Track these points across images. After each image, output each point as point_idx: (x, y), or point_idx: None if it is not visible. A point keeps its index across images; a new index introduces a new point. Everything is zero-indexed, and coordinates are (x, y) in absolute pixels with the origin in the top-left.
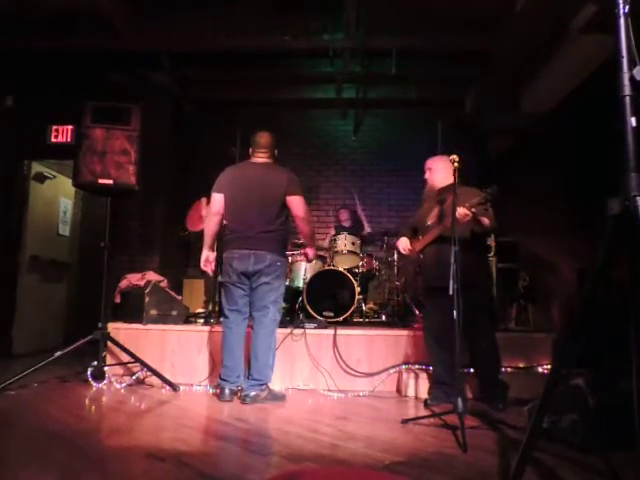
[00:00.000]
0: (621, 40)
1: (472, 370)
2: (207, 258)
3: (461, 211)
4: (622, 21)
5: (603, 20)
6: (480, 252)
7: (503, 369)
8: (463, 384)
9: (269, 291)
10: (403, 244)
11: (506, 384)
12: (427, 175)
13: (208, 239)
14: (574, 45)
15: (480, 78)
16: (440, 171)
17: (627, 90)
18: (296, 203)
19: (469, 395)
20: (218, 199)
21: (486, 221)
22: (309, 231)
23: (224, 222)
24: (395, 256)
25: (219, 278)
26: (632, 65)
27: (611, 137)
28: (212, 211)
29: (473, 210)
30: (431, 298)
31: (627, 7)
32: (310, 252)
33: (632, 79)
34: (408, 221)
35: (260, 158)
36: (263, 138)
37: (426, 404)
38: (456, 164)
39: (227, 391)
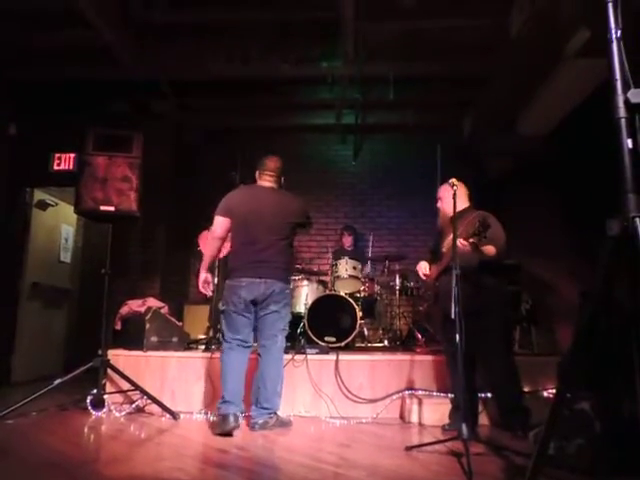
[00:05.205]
0: (614, 64)
1: (490, 395)
2: (206, 279)
3: (458, 244)
4: (615, 45)
5: (597, 44)
6: (491, 278)
7: None
8: (473, 410)
9: (278, 320)
10: (422, 268)
11: (527, 410)
12: (439, 204)
13: (208, 261)
14: (569, 69)
15: (477, 102)
16: (450, 198)
17: (622, 112)
18: (306, 231)
19: (487, 421)
20: (223, 223)
21: (491, 250)
22: None
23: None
24: (412, 283)
25: (220, 306)
26: (626, 88)
27: (609, 158)
28: (216, 234)
29: (471, 241)
30: (447, 324)
31: (619, 32)
32: None
33: (626, 102)
34: (429, 245)
35: (267, 182)
36: (273, 162)
37: (444, 429)
38: (455, 187)
39: (231, 418)
